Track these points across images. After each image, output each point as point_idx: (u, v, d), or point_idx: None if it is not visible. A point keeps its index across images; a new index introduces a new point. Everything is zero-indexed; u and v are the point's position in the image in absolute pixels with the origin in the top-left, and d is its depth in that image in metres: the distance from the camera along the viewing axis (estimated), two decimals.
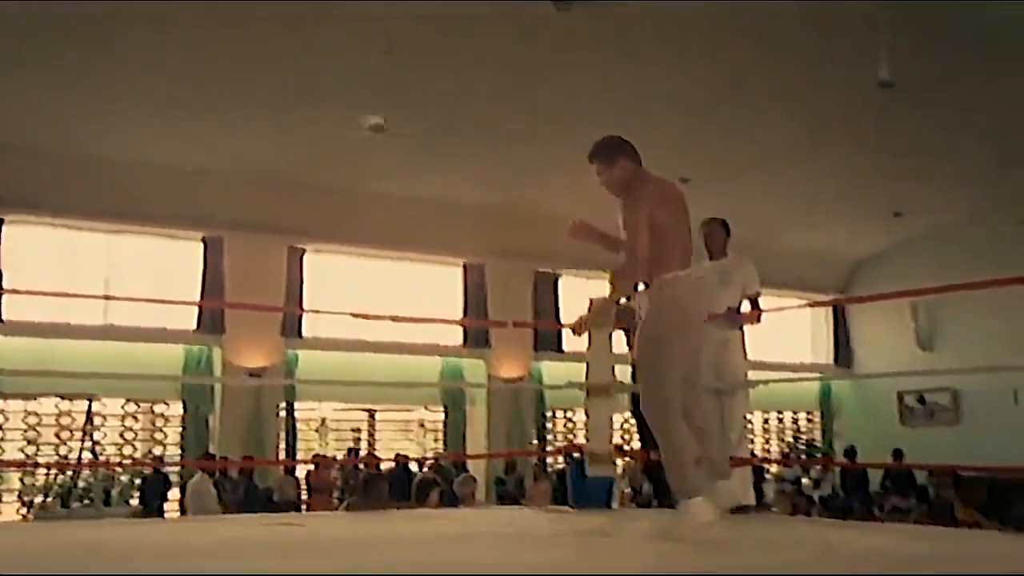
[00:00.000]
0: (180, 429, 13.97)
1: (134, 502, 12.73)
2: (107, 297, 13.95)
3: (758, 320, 6.36)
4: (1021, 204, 16.75)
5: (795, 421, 19.45)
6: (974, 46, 10.95)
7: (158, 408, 14.18)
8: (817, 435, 19.49)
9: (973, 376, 16.78)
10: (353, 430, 15.84)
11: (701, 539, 3.96)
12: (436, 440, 16.20)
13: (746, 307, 6.38)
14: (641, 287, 7.58)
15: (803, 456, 18.73)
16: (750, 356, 6.31)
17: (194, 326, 13.99)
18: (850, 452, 16.14)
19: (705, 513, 4.04)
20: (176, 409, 14.07)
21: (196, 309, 14.02)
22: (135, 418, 14.00)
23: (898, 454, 15.16)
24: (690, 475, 4.14)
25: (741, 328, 6.33)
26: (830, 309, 19.48)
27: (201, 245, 14.03)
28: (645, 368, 4.35)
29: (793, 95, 12.03)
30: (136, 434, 13.98)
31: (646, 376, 4.35)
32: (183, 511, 11.97)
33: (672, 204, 4.40)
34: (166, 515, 12.20)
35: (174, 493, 12.74)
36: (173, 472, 13.03)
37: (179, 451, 13.96)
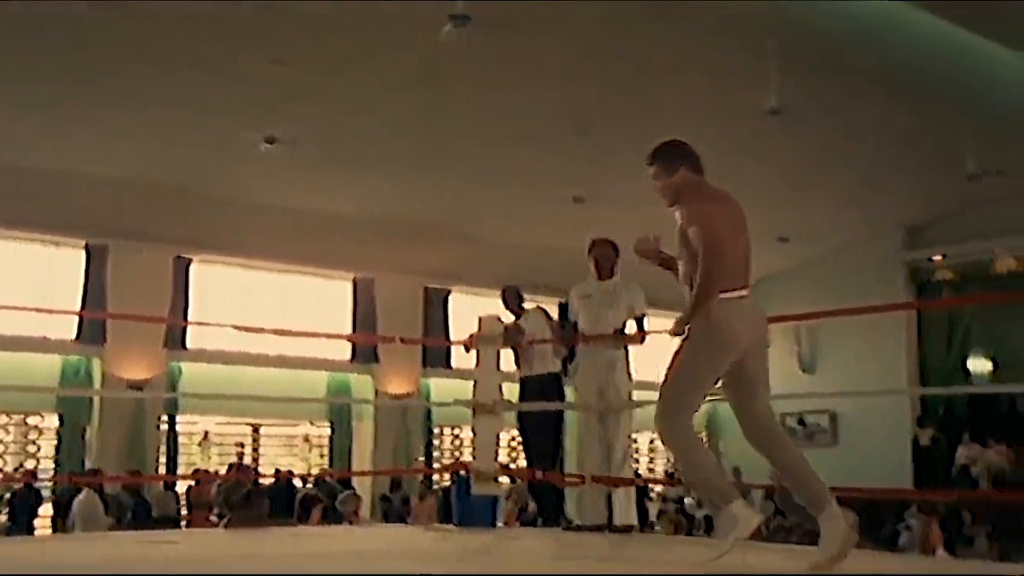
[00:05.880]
0: (55, 442, 13.50)
1: (2, 518, 12.26)
2: None
3: (641, 341, 6.46)
4: (900, 230, 17.45)
5: None
6: (856, 78, 11.31)
7: (32, 420, 13.68)
8: None
9: (850, 398, 17.28)
10: (237, 445, 15.54)
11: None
12: (322, 456, 15.98)
13: (632, 328, 6.48)
14: (531, 306, 7.66)
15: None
16: (635, 377, 6.39)
17: (74, 336, 13.56)
18: (734, 473, 16.39)
19: (751, 517, 3.87)
20: (51, 421, 13.59)
21: (76, 319, 13.58)
22: (6, 430, 13.50)
23: None
24: (719, 484, 4.03)
25: (626, 349, 6.43)
26: None
27: (84, 253, 13.63)
28: (671, 385, 4.09)
29: (681, 119, 12.20)
30: (7, 447, 13.48)
31: (669, 392, 4.09)
32: (55, 528, 11.56)
33: (730, 220, 4.10)
34: (36, 532, 11.76)
35: (46, 509, 12.27)
36: (45, 487, 12.56)
37: (53, 465, 13.48)
